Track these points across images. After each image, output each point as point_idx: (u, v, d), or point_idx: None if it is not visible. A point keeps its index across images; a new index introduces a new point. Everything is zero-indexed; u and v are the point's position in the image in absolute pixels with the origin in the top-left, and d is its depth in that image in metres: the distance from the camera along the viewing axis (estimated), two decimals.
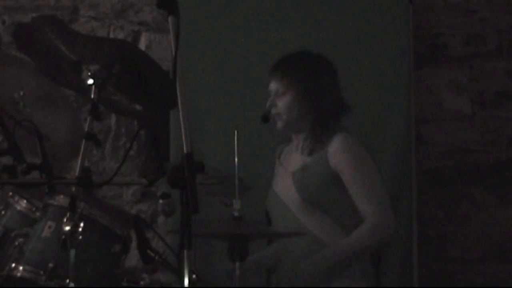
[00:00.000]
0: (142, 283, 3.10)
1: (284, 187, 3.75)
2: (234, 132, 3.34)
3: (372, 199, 3.61)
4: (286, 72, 3.76)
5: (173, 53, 2.42)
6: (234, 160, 3.32)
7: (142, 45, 4.79)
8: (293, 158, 3.78)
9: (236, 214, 3.25)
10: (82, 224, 2.81)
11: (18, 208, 3.19)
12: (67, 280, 2.84)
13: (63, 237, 2.79)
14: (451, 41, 4.74)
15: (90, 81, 2.91)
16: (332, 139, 3.67)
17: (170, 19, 2.46)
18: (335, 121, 3.74)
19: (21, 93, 3.25)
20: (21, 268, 2.97)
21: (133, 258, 3.31)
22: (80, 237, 2.79)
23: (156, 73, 2.92)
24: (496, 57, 4.73)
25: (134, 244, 3.13)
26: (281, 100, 3.74)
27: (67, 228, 2.78)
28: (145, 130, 4.65)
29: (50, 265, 2.94)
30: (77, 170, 2.80)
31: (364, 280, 3.67)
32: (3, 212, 3.20)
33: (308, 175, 3.67)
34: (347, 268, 3.64)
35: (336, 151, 3.65)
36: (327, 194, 3.65)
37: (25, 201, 3.18)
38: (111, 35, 4.79)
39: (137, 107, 3.13)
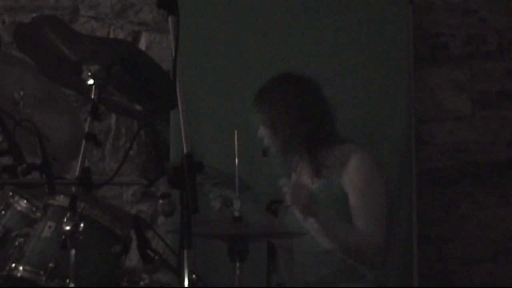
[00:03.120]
0: (142, 283, 3.10)
1: None
2: (234, 132, 3.34)
3: (369, 219, 3.61)
4: (265, 104, 3.75)
5: (173, 53, 2.42)
6: (234, 160, 3.32)
7: (142, 45, 4.79)
8: (308, 179, 3.77)
9: (236, 214, 3.25)
10: (82, 224, 2.80)
11: (18, 208, 3.19)
12: (67, 280, 2.83)
13: (63, 237, 2.79)
14: (451, 41, 4.74)
15: (90, 81, 2.91)
16: (349, 160, 3.66)
17: (170, 19, 2.46)
18: (328, 136, 3.74)
19: (21, 93, 3.25)
20: (21, 268, 2.97)
21: (133, 258, 3.31)
22: (80, 237, 2.79)
23: (156, 73, 2.92)
24: (496, 57, 4.73)
25: (134, 244, 3.13)
26: (267, 131, 3.74)
27: (67, 228, 2.78)
28: (145, 130, 4.65)
29: (50, 265, 2.94)
30: (77, 170, 2.80)
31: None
32: (3, 212, 3.20)
33: (324, 196, 3.67)
34: (360, 277, 3.67)
35: (351, 172, 3.65)
36: (344, 214, 3.65)
37: (25, 201, 3.18)
38: (111, 35, 4.79)
39: (137, 107, 3.13)
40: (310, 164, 3.75)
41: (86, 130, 2.87)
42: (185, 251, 2.30)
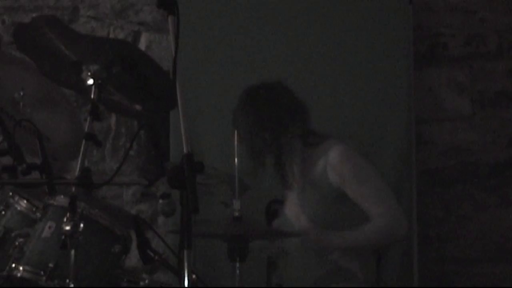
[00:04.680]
0: (142, 283, 3.10)
1: (292, 208, 3.75)
2: (234, 132, 3.34)
3: (380, 201, 3.59)
4: (239, 124, 3.74)
5: (173, 53, 2.42)
6: (234, 160, 3.32)
7: (142, 45, 4.79)
8: (297, 178, 3.77)
9: (236, 214, 3.24)
10: (82, 224, 2.80)
11: (18, 208, 3.19)
12: (67, 280, 2.83)
13: (63, 237, 2.78)
14: (451, 41, 4.74)
15: (90, 81, 2.91)
16: (328, 153, 3.64)
17: (170, 19, 2.46)
18: (303, 136, 3.73)
19: (21, 93, 3.25)
20: (21, 268, 2.97)
21: (133, 258, 3.31)
22: (80, 237, 2.79)
23: (156, 73, 2.92)
24: (496, 57, 4.73)
25: (134, 244, 3.13)
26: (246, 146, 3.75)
27: (67, 228, 2.78)
28: (145, 130, 4.65)
29: (50, 265, 2.94)
30: (77, 170, 2.80)
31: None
32: (3, 212, 3.20)
33: (311, 194, 3.67)
34: (351, 277, 3.66)
35: (335, 165, 3.62)
36: (332, 211, 3.64)
37: (25, 201, 3.18)
38: (111, 35, 4.79)
39: (137, 107, 3.13)
40: (283, 170, 3.74)
41: (86, 130, 2.86)
42: (185, 251, 2.30)
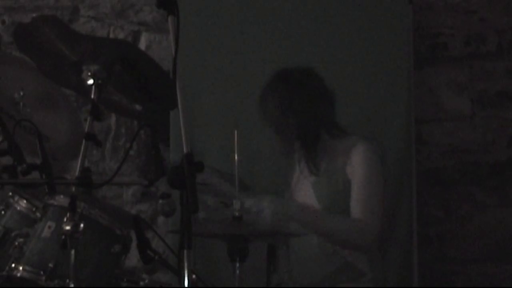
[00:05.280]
0: (142, 283, 3.10)
1: (305, 196, 3.75)
2: (234, 132, 3.34)
3: (368, 207, 3.63)
4: (266, 105, 3.79)
5: (173, 53, 2.42)
6: (234, 160, 3.32)
7: (142, 45, 4.79)
8: (317, 166, 3.78)
9: (236, 214, 3.25)
10: (82, 224, 2.80)
11: (18, 208, 3.19)
12: (67, 280, 2.83)
13: (63, 237, 2.78)
14: (451, 41, 4.74)
15: (90, 81, 2.91)
16: (353, 149, 3.68)
17: (170, 19, 2.47)
18: (329, 127, 3.75)
19: (21, 93, 3.25)
20: (21, 268, 2.97)
21: (133, 258, 3.31)
22: (80, 237, 2.79)
23: (156, 73, 2.93)
24: (496, 57, 4.73)
25: (134, 244, 3.13)
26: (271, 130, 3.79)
27: (67, 228, 2.77)
28: (145, 130, 4.64)
29: (50, 265, 2.94)
30: (77, 170, 2.80)
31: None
32: (3, 212, 3.20)
33: (329, 184, 3.68)
34: (360, 275, 3.67)
35: (355, 159, 3.67)
36: (345, 205, 3.66)
37: (25, 201, 3.18)
38: (111, 35, 4.79)
39: (137, 107, 3.13)
40: (309, 157, 3.76)
41: (86, 130, 2.86)
42: (185, 251, 2.30)
